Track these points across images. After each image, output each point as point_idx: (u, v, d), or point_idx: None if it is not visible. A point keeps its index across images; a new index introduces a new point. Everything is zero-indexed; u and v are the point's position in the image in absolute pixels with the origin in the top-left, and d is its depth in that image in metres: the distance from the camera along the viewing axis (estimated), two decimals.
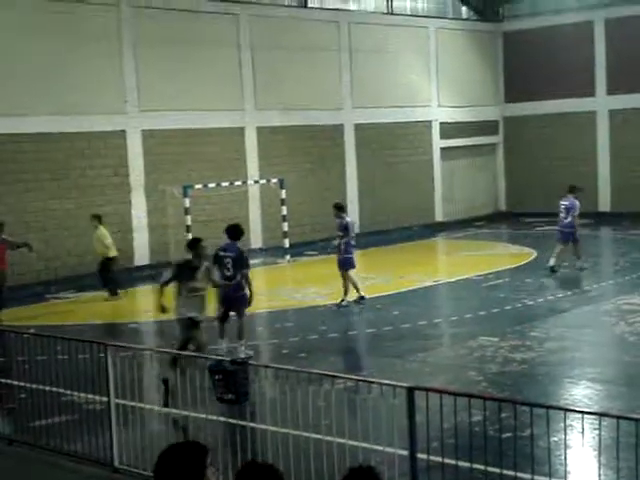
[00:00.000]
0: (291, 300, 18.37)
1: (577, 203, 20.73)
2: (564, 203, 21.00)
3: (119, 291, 19.79)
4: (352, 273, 17.50)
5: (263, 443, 7.82)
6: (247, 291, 13.61)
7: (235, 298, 13.56)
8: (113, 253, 19.85)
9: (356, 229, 18.71)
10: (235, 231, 13.99)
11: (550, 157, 32.73)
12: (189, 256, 12.08)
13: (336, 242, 17.68)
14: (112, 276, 19.84)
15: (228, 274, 13.48)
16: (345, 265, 17.48)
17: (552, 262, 20.23)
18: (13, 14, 21.40)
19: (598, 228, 29.27)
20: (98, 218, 19.99)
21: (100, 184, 22.72)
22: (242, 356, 13.01)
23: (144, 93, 23.60)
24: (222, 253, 13.62)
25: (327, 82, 28.18)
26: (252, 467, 4.00)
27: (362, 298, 17.52)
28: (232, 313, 13.83)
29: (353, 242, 17.80)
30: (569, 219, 20.64)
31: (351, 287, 17.41)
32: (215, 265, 13.30)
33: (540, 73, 32.68)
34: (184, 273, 11.80)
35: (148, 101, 23.63)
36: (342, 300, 17.30)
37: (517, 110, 33.67)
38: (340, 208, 18.33)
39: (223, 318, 13.74)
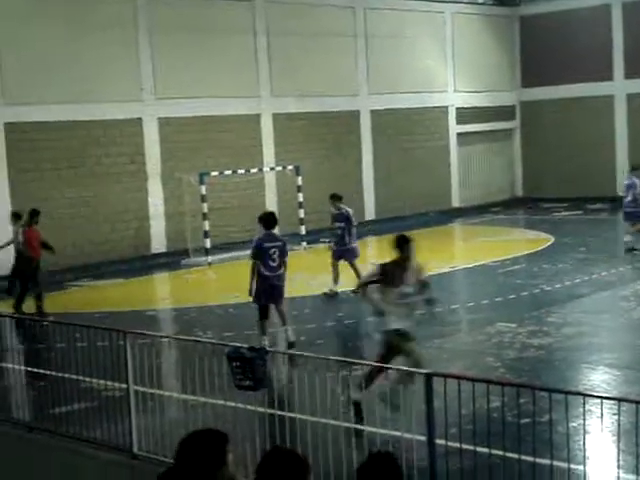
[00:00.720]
0: (307, 287, 18.37)
1: (637, 181, 20.59)
2: (625, 182, 21.04)
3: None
4: (356, 263, 17.44)
5: (281, 430, 7.84)
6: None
7: (279, 288, 13.40)
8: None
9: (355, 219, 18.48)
10: (272, 220, 13.74)
11: (567, 142, 32.56)
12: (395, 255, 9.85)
13: (339, 232, 17.63)
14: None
15: (274, 265, 13.23)
16: (351, 255, 17.50)
17: (629, 243, 20.37)
18: (30, 2, 21.44)
19: (616, 213, 29.11)
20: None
21: (116, 172, 22.79)
22: (292, 339, 13.25)
23: (160, 80, 23.62)
24: (267, 244, 13.24)
25: (343, 68, 28.11)
26: (277, 453, 4.01)
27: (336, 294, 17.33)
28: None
29: (355, 231, 17.85)
30: (629, 197, 20.56)
31: (336, 276, 17.40)
32: (258, 258, 13.15)
33: (557, 57, 32.48)
34: (393, 275, 9.73)
35: (164, 88, 23.65)
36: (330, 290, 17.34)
37: (534, 95, 33.49)
38: (338, 198, 18.24)
39: (265, 312, 13.41)
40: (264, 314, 13.36)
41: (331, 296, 17.31)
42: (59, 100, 21.62)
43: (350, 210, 18.07)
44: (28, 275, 16.97)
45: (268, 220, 13.69)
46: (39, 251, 17.27)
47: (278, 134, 26.29)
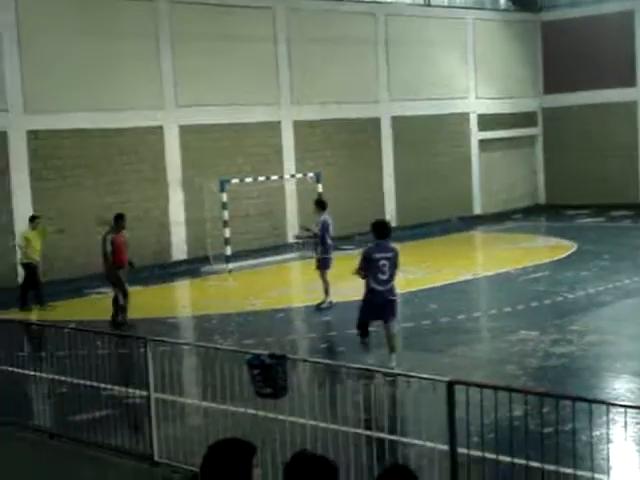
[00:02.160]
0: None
1: None
2: None
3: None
4: (327, 275, 16.84)
5: (302, 437, 7.80)
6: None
7: (391, 303, 12.41)
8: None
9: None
10: (385, 228, 12.66)
11: (589, 148, 32.37)
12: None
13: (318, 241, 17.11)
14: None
15: (384, 278, 12.21)
16: (321, 266, 16.98)
17: None
18: (52, 11, 21.56)
19: (638, 220, 28.92)
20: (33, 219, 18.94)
21: (137, 179, 22.85)
22: (393, 365, 11.92)
23: (181, 88, 23.68)
24: (377, 255, 12.26)
25: (364, 75, 28.09)
26: (304, 457, 3.96)
27: (329, 304, 16.71)
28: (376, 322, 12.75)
29: (330, 242, 17.18)
30: None
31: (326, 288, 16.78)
32: (367, 269, 12.25)
33: (579, 64, 32.32)
34: None
35: (185, 96, 23.71)
36: (322, 302, 16.81)
37: (556, 101, 33.34)
38: (319, 204, 17.60)
39: (366, 329, 12.62)
40: (365, 331, 12.54)
41: (326, 308, 16.71)
42: (80, 108, 21.70)
43: (326, 218, 17.29)
44: (114, 283, 16.53)
45: (381, 228, 12.61)
46: (125, 257, 16.60)
47: (298, 141, 26.29)
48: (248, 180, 23.78)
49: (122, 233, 16.67)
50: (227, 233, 22.65)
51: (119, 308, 16.42)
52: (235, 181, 23.38)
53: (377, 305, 12.32)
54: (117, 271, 16.50)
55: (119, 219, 16.69)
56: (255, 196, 24.59)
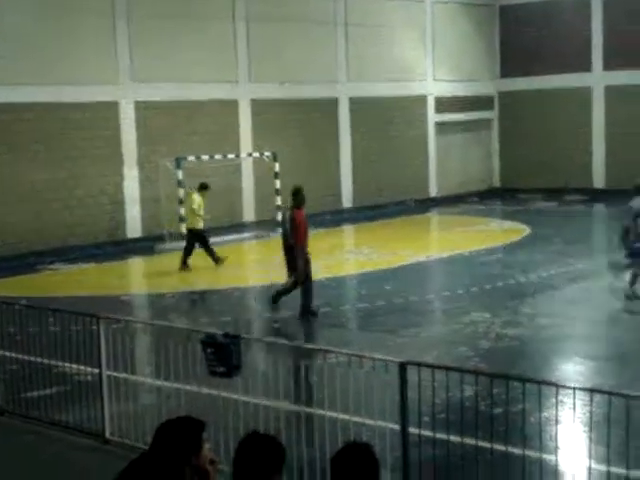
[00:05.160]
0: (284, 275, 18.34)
1: None
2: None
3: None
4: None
5: (255, 417, 7.81)
6: None
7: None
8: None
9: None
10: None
11: (545, 133, 32.65)
12: None
13: None
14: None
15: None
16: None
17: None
18: None
19: (592, 205, 29.30)
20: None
21: (92, 155, 22.61)
22: None
23: (138, 64, 23.44)
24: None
25: (322, 55, 28.02)
26: (254, 438, 3.98)
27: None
28: None
29: None
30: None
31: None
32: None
33: (536, 48, 32.55)
34: None
35: (142, 72, 23.47)
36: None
37: (512, 85, 33.56)
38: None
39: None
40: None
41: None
42: (35, 82, 21.38)
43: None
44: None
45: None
46: (306, 238, 14.04)
47: (256, 120, 26.18)
48: (204, 158, 23.65)
49: (302, 210, 14.19)
50: (182, 211, 22.53)
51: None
52: (191, 159, 23.25)
53: None
54: (301, 254, 13.91)
55: (297, 194, 14.20)
56: (211, 174, 24.46)
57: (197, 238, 19.56)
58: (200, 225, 19.66)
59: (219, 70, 25.24)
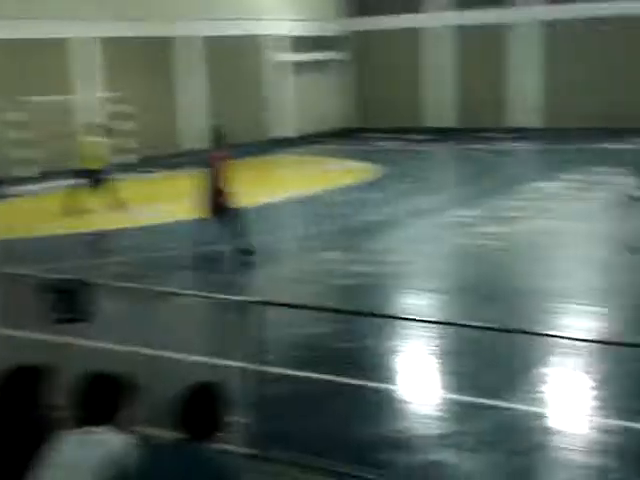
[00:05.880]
0: (138, 218, 18.03)
1: None
2: None
3: None
4: None
5: (104, 362, 7.67)
6: None
7: None
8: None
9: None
10: None
11: (397, 73, 32.94)
12: None
13: None
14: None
15: None
16: None
17: None
18: None
19: (442, 143, 29.94)
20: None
21: None
22: None
23: None
24: None
25: None
26: (96, 378, 3.93)
27: None
28: None
29: None
30: None
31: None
32: None
33: None
34: None
35: None
36: None
37: (365, 25, 33.56)
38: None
39: None
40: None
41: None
42: None
43: None
44: None
45: None
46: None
47: (88, 61, 25.34)
48: (42, 99, 22.79)
49: None
50: (21, 154, 21.76)
51: None
52: (29, 99, 22.37)
53: None
54: None
55: None
56: (49, 118, 23.60)
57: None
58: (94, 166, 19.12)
59: (52, 7, 24.15)
